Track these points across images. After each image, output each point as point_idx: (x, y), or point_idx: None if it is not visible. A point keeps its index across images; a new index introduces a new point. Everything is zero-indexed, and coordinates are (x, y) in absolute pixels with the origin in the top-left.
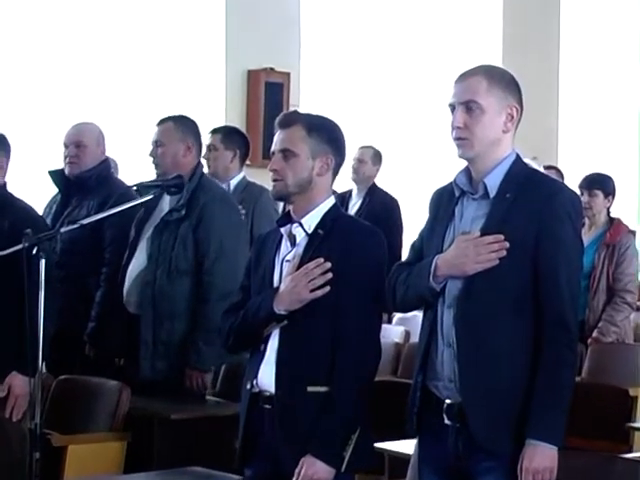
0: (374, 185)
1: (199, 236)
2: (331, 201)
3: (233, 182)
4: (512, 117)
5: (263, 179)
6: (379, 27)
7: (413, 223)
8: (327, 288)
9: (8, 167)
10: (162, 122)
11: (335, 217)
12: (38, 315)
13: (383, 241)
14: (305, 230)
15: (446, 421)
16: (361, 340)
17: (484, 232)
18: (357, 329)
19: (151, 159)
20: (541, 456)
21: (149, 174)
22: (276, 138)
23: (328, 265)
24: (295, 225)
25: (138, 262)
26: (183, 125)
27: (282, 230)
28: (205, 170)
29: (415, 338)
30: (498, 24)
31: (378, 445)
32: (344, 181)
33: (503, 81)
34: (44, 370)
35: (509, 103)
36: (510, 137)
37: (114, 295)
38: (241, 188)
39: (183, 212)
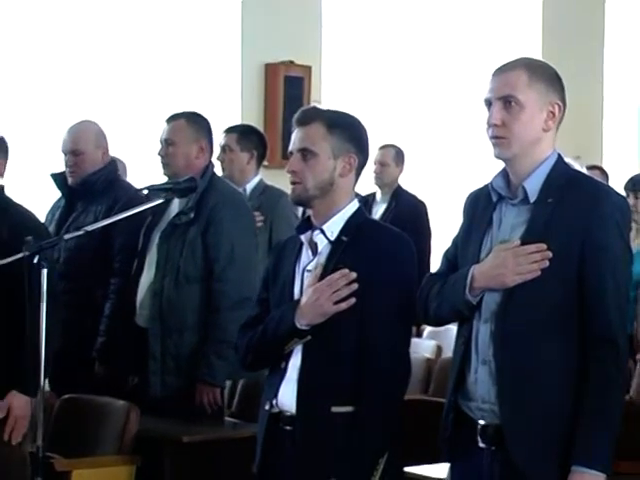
0: (399, 187)
1: (209, 240)
2: (355, 205)
3: (250, 186)
4: (554, 115)
5: (282, 181)
6: (407, 17)
7: (441, 227)
8: (352, 300)
9: (6, 170)
10: (173, 119)
11: (360, 222)
12: (40, 329)
13: (412, 248)
14: (327, 237)
15: (480, 444)
16: (390, 356)
17: (525, 241)
18: (385, 344)
19: (160, 158)
20: None
21: (160, 175)
22: (294, 137)
23: (353, 275)
24: (316, 232)
25: (149, 272)
26: (196, 123)
27: (302, 237)
28: (219, 173)
29: (448, 353)
30: (537, 14)
31: (408, 469)
32: (365, 183)
33: (545, 75)
34: (47, 389)
35: (551, 99)
36: (551, 136)
37: (124, 308)
38: (258, 192)
39: (192, 215)
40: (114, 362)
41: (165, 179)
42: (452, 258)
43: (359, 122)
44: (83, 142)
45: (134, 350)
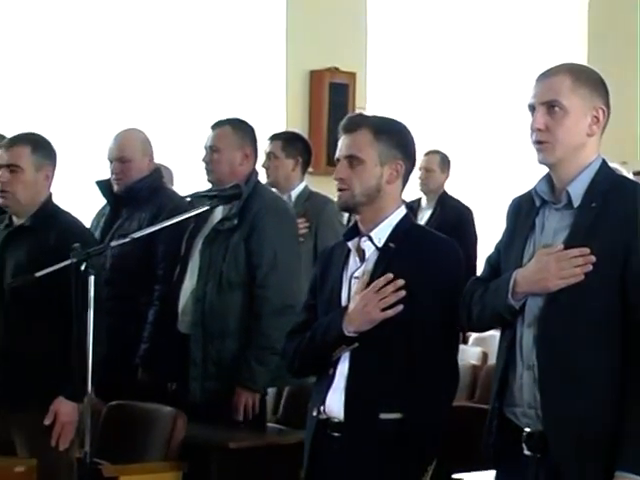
0: (444, 193)
1: (251, 247)
2: (402, 211)
3: (295, 192)
4: (598, 119)
5: (327, 188)
6: (450, 22)
7: (486, 233)
8: (400, 307)
9: (54, 177)
10: (218, 126)
11: (407, 229)
12: (87, 336)
13: (460, 254)
14: (375, 244)
15: (525, 451)
16: (438, 362)
17: (568, 245)
18: (433, 351)
19: (204, 165)
20: None
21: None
22: (341, 143)
23: (401, 282)
24: (364, 238)
25: (192, 278)
26: (241, 130)
27: (349, 244)
28: (264, 180)
29: (493, 359)
30: (583, 19)
31: (455, 476)
32: (411, 189)
33: (589, 80)
34: (93, 395)
35: (595, 104)
36: (596, 141)
37: (167, 314)
38: (303, 199)
39: (235, 221)
40: (156, 369)
41: (209, 186)
42: (495, 263)
43: (406, 128)
44: (129, 150)
45: (176, 356)
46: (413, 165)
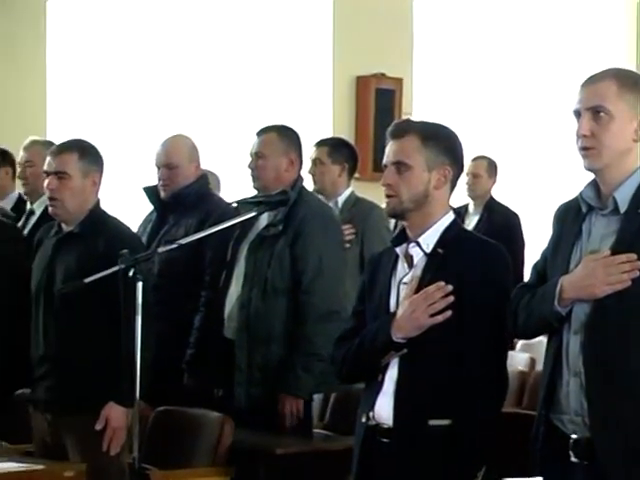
0: (492, 199)
1: (297, 252)
2: (450, 217)
3: (341, 198)
4: None
5: (373, 194)
6: (496, 27)
7: (534, 239)
8: (449, 313)
9: (101, 183)
10: (264, 132)
11: (455, 234)
12: (135, 341)
13: (509, 260)
14: (423, 249)
15: (572, 458)
16: (487, 368)
17: (615, 251)
18: (483, 357)
19: (250, 171)
20: None
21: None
22: (388, 149)
23: (449, 288)
24: (412, 244)
25: (237, 284)
26: (287, 137)
27: (397, 250)
28: (310, 186)
29: (541, 366)
30: (632, 24)
31: None
32: (458, 195)
33: (636, 86)
34: (141, 400)
35: None
36: None
37: (213, 320)
38: (350, 205)
39: (280, 227)
40: (202, 374)
41: (255, 192)
42: (541, 270)
43: (453, 134)
44: (177, 156)
45: (221, 362)
46: (461, 170)
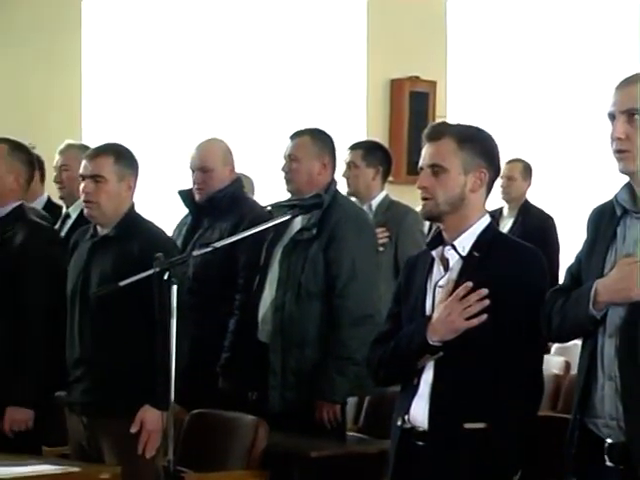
0: (527, 202)
1: (330, 256)
2: (486, 220)
3: (375, 202)
4: None
5: (408, 197)
6: (531, 29)
7: (568, 242)
8: (484, 316)
9: (136, 187)
10: (297, 135)
11: (491, 237)
12: (170, 344)
13: (545, 263)
14: (459, 252)
15: (607, 462)
16: (523, 372)
17: None
18: (518, 360)
19: (283, 174)
20: None
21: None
22: (424, 152)
23: (485, 291)
24: (447, 247)
25: (271, 288)
26: (320, 140)
27: (433, 253)
28: (344, 189)
29: (576, 369)
30: None
31: None
32: (492, 198)
33: None
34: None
35: None
36: None
37: (247, 323)
38: (384, 208)
39: (314, 231)
40: (237, 377)
41: (289, 195)
42: (576, 273)
43: (490, 136)
44: (211, 159)
45: (255, 365)
46: (497, 173)
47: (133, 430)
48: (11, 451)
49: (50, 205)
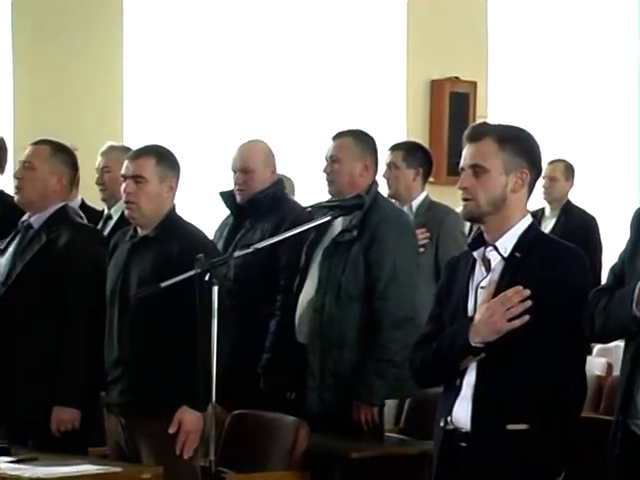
0: (569, 202)
1: (371, 258)
2: (528, 220)
3: (415, 203)
4: None
5: (448, 198)
6: (572, 29)
7: (611, 242)
8: (527, 317)
9: (177, 188)
10: (339, 136)
11: (533, 238)
12: (210, 345)
13: (587, 264)
14: (500, 253)
15: None
16: (566, 373)
17: None
18: (561, 361)
19: (325, 175)
20: None
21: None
22: (465, 153)
23: (527, 292)
24: (489, 248)
25: (308, 288)
26: (362, 142)
27: (475, 254)
28: (385, 190)
29: (618, 371)
30: None
31: None
32: (534, 198)
33: None
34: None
35: None
36: None
37: (289, 324)
38: (424, 209)
39: (355, 233)
40: (277, 378)
41: (330, 197)
42: (619, 273)
43: (531, 136)
44: (253, 160)
45: (295, 366)
46: (539, 173)
47: (171, 431)
48: (58, 451)
49: (83, 208)
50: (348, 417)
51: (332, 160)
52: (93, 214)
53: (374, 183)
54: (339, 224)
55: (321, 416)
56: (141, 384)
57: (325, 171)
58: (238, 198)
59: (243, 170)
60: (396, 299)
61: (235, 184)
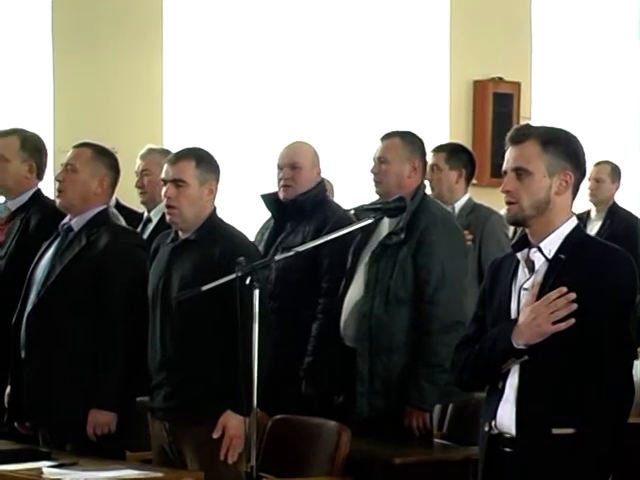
0: (615, 205)
1: (419, 262)
2: (572, 222)
3: (458, 204)
4: None
5: (491, 200)
6: (616, 29)
7: None
8: (572, 320)
9: (218, 191)
10: (387, 137)
11: (578, 240)
12: (252, 349)
13: (634, 266)
14: (544, 255)
15: None
16: (612, 377)
17: None
18: (607, 365)
19: (372, 176)
20: None
21: (369, 194)
22: (508, 155)
23: (572, 295)
24: (533, 250)
25: (355, 291)
26: (411, 143)
27: (518, 255)
28: (428, 192)
29: None
30: None
31: None
32: (579, 200)
33: None
34: (258, 409)
35: None
36: None
37: (331, 327)
38: (467, 211)
39: (402, 235)
40: (320, 382)
41: (376, 198)
42: None
43: (575, 138)
44: (303, 157)
45: (340, 370)
46: (583, 175)
47: (215, 435)
48: (94, 454)
49: (119, 208)
50: (398, 422)
51: (380, 161)
52: (128, 213)
53: (422, 184)
54: (386, 226)
55: (370, 421)
56: (184, 388)
57: (372, 171)
58: (282, 195)
59: (291, 165)
60: (445, 304)
61: (279, 180)
